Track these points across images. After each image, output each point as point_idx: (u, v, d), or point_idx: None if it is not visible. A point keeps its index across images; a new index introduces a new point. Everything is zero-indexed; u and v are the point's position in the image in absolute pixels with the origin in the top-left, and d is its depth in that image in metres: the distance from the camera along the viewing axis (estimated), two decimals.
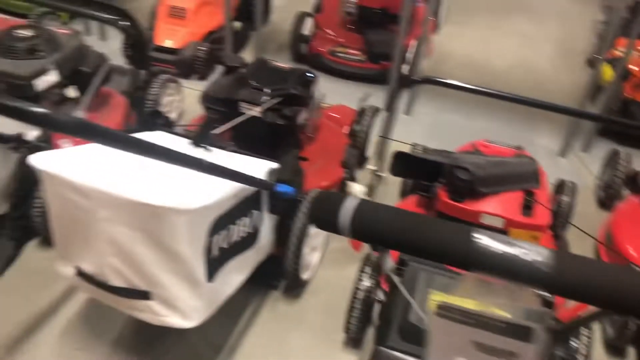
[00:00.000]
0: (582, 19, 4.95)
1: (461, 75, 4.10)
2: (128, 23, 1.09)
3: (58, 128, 0.99)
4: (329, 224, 0.92)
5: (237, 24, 3.93)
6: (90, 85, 2.62)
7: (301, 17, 3.88)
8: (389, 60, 3.71)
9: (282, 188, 2.02)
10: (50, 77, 2.51)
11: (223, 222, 1.80)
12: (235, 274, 2.01)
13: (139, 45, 1.08)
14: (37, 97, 2.54)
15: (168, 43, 3.63)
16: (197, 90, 3.57)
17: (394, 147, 3.28)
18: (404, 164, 2.30)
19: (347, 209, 0.91)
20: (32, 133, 2.28)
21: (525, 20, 5.04)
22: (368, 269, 2.13)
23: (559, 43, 4.71)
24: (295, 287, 2.38)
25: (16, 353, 2.07)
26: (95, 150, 1.84)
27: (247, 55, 4.05)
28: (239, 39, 3.97)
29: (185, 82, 3.47)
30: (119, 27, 1.08)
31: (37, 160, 1.66)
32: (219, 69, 3.64)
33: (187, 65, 3.60)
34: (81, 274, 1.80)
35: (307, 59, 3.94)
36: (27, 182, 2.32)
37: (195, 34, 3.70)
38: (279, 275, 2.38)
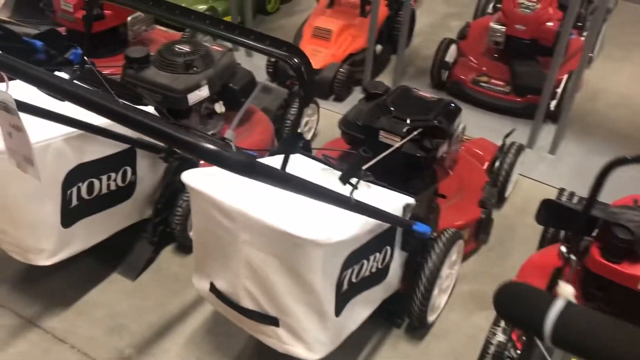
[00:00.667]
0: None
1: (615, 116, 3.76)
2: (297, 60, 1.06)
3: (227, 166, 0.98)
4: (526, 324, 0.80)
5: (378, 47, 3.90)
6: (240, 102, 2.71)
7: (447, 44, 3.78)
8: (536, 94, 3.49)
9: (420, 227, 1.93)
10: (202, 92, 2.62)
11: (357, 256, 1.76)
12: (361, 309, 1.95)
13: (307, 83, 1.06)
14: (188, 111, 2.67)
15: None
16: (333, 112, 3.59)
17: (535, 188, 3.08)
18: (552, 212, 2.12)
19: (554, 312, 0.75)
20: None
21: None
22: (502, 323, 1.98)
23: None
24: (419, 328, 2.28)
25: (145, 355, 2.16)
26: None
27: (386, 78, 4.01)
28: (378, 62, 3.94)
29: (321, 103, 3.50)
30: (291, 64, 1.07)
31: (188, 177, 1.71)
32: (357, 93, 3.66)
33: (326, 86, 3.63)
34: (214, 290, 1.84)
35: (447, 87, 3.82)
36: (171, 191, 2.44)
37: (336, 55, 3.73)
38: (402, 313, 2.29)
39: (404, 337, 2.29)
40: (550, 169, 3.24)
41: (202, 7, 4.21)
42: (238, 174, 1.03)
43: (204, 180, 1.71)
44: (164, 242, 2.56)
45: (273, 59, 3.74)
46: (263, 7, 4.63)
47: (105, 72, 3.00)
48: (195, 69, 2.62)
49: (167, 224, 2.48)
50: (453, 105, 2.59)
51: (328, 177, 2.02)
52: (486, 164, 2.88)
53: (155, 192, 2.44)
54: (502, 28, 3.62)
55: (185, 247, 2.54)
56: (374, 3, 3.54)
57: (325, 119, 3.40)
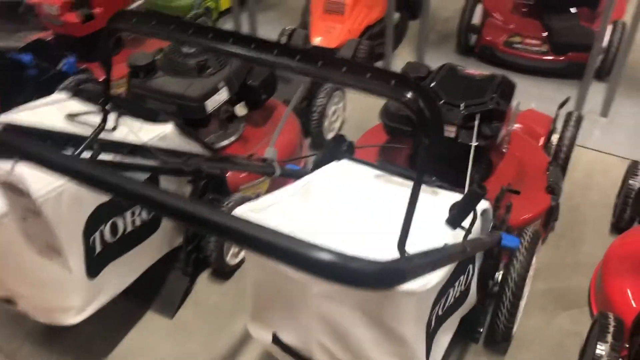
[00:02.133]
0: None
1: None
2: (422, 103, 0.75)
3: (354, 283, 0.70)
4: None
5: (395, 15, 3.55)
6: (261, 100, 2.41)
7: (472, 4, 3.42)
8: (578, 51, 3.17)
9: (509, 241, 1.65)
10: (221, 96, 2.31)
11: (445, 289, 1.48)
12: (444, 338, 1.68)
13: (433, 130, 0.75)
14: (207, 118, 2.36)
15: (325, 42, 3.34)
16: (357, 95, 3.27)
17: (595, 159, 2.78)
18: None
19: None
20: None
21: None
22: (607, 337, 1.71)
23: None
24: (502, 341, 2.02)
25: None
26: (294, 198, 1.58)
27: (407, 49, 3.68)
28: (397, 31, 3.60)
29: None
30: (410, 107, 0.76)
31: None
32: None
33: None
34: (279, 342, 1.57)
35: (476, 52, 3.49)
36: None
37: (353, 30, 3.38)
38: (479, 326, 2.03)
39: (484, 353, 2.03)
40: (607, 134, 2.95)
41: None
42: (370, 291, 0.74)
43: (256, 221, 1.42)
44: (198, 270, 2.28)
45: (286, 34, 3.38)
46: None
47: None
48: (210, 70, 2.30)
49: (201, 250, 2.20)
50: (506, 81, 2.27)
51: (389, 188, 1.73)
52: (542, 140, 2.58)
53: None
54: None
55: (222, 274, 2.27)
56: None
57: (351, 104, 3.08)
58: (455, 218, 1.12)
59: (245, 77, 2.48)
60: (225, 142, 2.50)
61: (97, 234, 1.77)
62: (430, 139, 0.75)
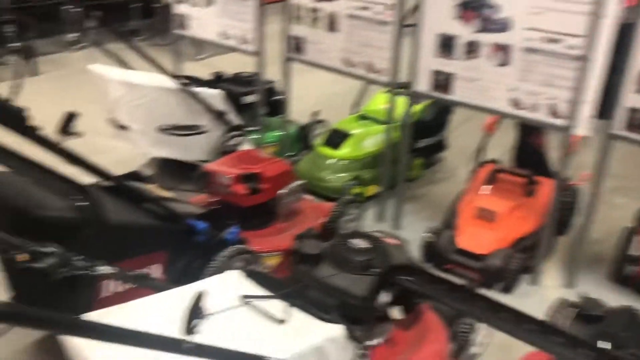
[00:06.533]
0: None
1: None
2: None
3: None
4: None
5: None
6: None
7: (628, 234, 3.29)
8: None
9: None
10: (384, 298, 2.27)
11: None
12: None
13: None
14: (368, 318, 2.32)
15: (473, 248, 3.29)
16: None
17: None
18: None
19: None
20: None
21: None
22: None
23: None
24: None
25: None
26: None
27: (554, 266, 3.53)
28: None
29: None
30: None
31: None
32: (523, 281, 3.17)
33: (494, 275, 3.20)
34: None
35: (634, 284, 3.28)
36: None
37: (504, 239, 3.32)
38: None
39: None
40: None
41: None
42: None
43: None
44: None
45: (432, 233, 3.38)
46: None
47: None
48: (373, 269, 2.29)
49: None
50: None
51: None
52: None
53: None
54: None
55: None
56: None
57: None
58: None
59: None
60: (373, 342, 2.41)
61: None
62: None
